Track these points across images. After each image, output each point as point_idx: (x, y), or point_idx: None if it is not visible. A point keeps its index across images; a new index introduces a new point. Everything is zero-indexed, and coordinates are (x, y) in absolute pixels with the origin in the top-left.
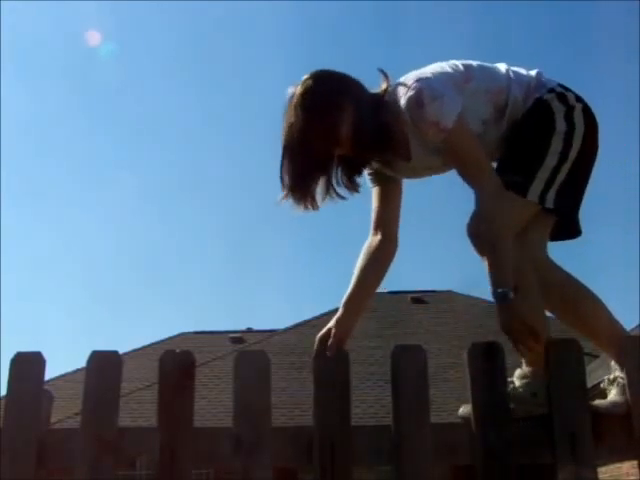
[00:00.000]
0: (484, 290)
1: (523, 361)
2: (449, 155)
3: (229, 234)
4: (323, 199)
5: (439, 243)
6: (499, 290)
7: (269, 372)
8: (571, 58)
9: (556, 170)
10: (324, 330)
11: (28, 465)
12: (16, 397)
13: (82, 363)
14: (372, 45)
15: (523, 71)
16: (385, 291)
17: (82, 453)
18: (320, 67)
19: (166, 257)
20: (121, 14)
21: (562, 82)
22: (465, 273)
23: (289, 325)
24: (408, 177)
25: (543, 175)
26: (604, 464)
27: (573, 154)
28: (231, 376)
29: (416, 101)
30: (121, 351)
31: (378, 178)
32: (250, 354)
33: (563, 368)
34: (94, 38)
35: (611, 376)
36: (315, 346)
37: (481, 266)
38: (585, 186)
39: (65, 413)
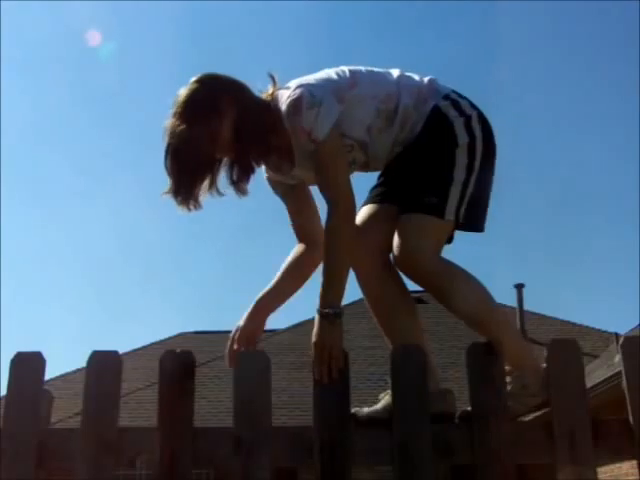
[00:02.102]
0: None
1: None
2: (315, 165)
3: (229, 234)
4: (204, 196)
5: None
6: (329, 310)
7: (269, 372)
8: (570, 58)
9: (465, 184)
10: (234, 330)
11: (28, 465)
12: (16, 397)
13: (82, 363)
14: (369, 45)
15: (416, 77)
16: None
17: (82, 453)
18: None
19: (166, 257)
20: (121, 14)
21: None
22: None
23: (289, 325)
24: (309, 184)
25: (455, 191)
26: (604, 464)
27: (477, 164)
28: (231, 376)
29: (294, 107)
30: (121, 351)
31: (280, 188)
32: (250, 354)
33: (562, 368)
34: (94, 38)
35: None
36: (227, 346)
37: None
38: (490, 190)
39: (65, 413)
